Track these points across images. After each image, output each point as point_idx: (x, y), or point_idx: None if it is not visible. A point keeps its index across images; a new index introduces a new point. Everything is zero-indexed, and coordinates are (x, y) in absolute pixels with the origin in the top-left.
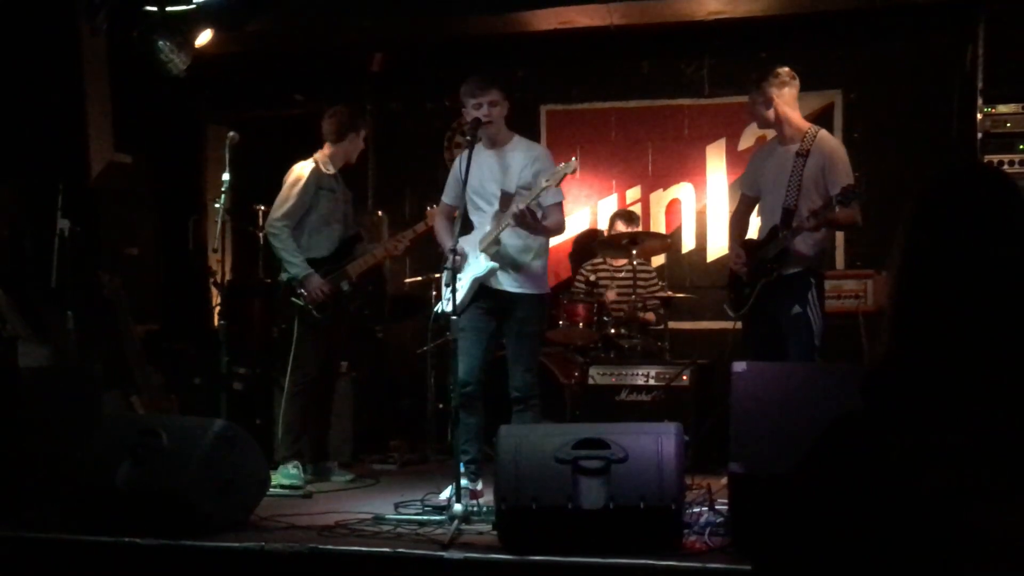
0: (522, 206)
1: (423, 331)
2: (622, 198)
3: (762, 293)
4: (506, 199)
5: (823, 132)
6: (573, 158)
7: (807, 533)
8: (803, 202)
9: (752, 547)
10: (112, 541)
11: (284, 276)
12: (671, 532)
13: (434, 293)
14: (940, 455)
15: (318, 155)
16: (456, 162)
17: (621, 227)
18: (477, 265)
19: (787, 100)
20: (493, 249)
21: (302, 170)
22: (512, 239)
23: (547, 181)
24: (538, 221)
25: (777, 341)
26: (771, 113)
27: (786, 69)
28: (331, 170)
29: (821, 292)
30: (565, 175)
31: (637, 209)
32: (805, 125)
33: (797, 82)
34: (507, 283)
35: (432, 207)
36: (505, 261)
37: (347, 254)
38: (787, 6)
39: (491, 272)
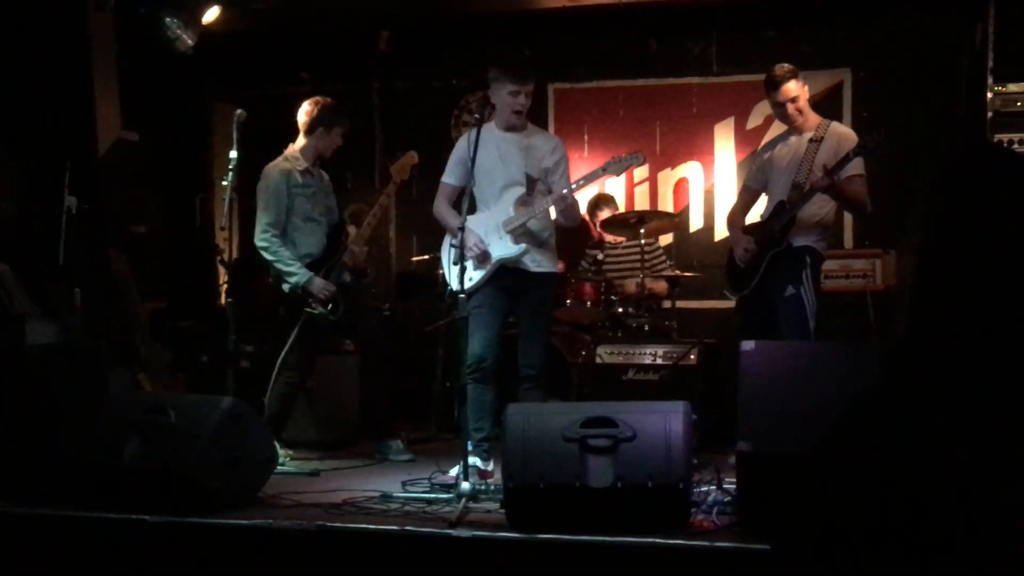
0: (572, 192)
1: (431, 310)
2: (630, 177)
3: (769, 267)
4: (531, 183)
5: (836, 122)
6: (640, 152)
7: (832, 513)
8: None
9: (771, 527)
10: (119, 518)
11: (286, 287)
12: (679, 511)
13: (440, 272)
14: (967, 432)
15: (289, 150)
16: (461, 142)
17: (606, 214)
18: (504, 247)
19: (802, 93)
20: (521, 231)
21: (272, 175)
22: (535, 220)
23: (607, 171)
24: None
25: (772, 324)
26: (793, 107)
27: (787, 66)
28: (303, 165)
29: (816, 273)
30: (632, 166)
31: (645, 188)
32: (818, 118)
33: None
34: (530, 263)
35: (395, 158)
36: (530, 242)
37: (338, 246)
38: None
39: (522, 253)
